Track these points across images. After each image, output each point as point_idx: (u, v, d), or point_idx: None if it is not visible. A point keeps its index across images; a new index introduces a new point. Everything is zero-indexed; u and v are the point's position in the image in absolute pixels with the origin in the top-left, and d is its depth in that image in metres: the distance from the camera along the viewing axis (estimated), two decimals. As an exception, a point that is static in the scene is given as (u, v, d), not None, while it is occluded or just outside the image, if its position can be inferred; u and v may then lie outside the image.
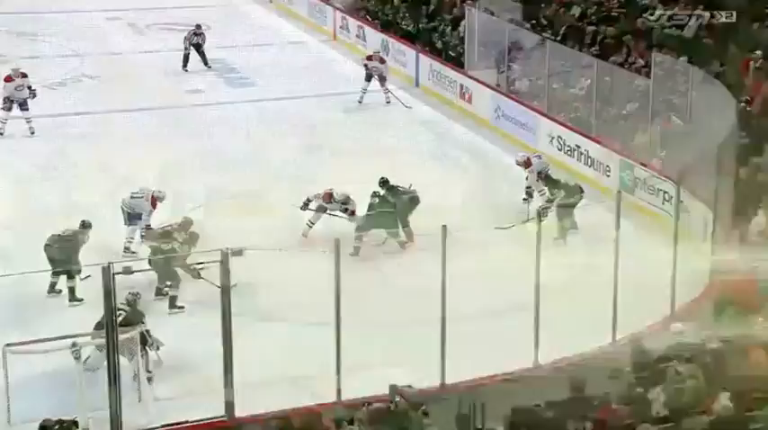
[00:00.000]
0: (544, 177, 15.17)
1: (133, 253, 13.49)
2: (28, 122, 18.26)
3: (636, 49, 18.23)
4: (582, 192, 14.63)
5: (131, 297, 10.92)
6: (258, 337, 11.60)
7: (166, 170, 16.71)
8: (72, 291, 12.44)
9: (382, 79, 20.38)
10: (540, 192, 15.33)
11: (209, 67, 22.59)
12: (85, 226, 12.81)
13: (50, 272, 12.42)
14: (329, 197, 14.15)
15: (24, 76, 18.28)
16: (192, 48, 22.47)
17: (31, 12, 26.48)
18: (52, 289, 12.60)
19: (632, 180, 15.70)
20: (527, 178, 15.50)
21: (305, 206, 14.31)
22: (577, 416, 8.82)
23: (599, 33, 19.33)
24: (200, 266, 12.36)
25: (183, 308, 12.43)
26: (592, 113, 17.36)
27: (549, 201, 14.59)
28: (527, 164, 15.53)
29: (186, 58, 22.41)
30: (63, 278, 12.48)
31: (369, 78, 20.42)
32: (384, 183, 14.39)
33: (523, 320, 11.21)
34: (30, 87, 18.23)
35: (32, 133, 18.22)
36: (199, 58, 22.57)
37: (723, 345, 9.91)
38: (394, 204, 14.20)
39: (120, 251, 13.48)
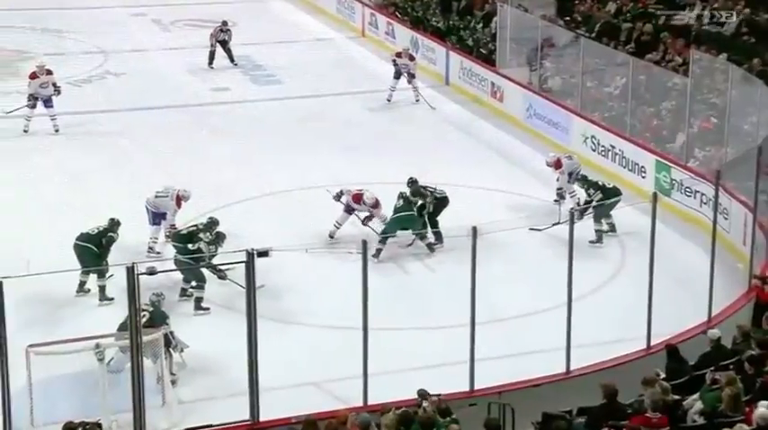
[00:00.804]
0: (577, 178, 15.09)
1: (158, 253, 13.59)
2: (52, 120, 18.43)
3: (673, 47, 18.13)
4: (620, 193, 14.53)
5: (155, 298, 11.02)
6: (283, 340, 11.66)
7: (191, 168, 16.86)
8: (102, 289, 12.55)
9: (411, 76, 20.39)
10: (570, 193, 15.27)
11: (236, 65, 22.70)
12: (114, 223, 12.88)
13: (80, 271, 12.52)
14: (358, 198, 14.15)
15: (50, 73, 18.45)
16: (217, 45, 22.60)
17: (55, 8, 26.71)
18: (81, 288, 12.69)
19: (669, 181, 15.60)
20: (557, 179, 15.43)
21: (338, 197, 14.31)
22: (610, 424, 8.79)
23: (635, 30, 19.24)
24: (227, 267, 12.42)
25: (208, 309, 12.50)
26: (627, 112, 17.26)
27: (587, 202, 14.51)
28: (557, 165, 15.46)
29: (212, 56, 22.53)
30: (92, 278, 12.54)
31: (398, 75, 20.44)
32: (413, 182, 14.39)
33: (555, 324, 11.17)
34: (54, 84, 18.40)
35: (57, 131, 18.38)
36: (225, 55, 22.68)
37: (762, 352, 9.84)
38: (422, 206, 14.19)
39: (144, 251, 13.56)
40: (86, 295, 12.62)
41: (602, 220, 14.41)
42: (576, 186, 15.13)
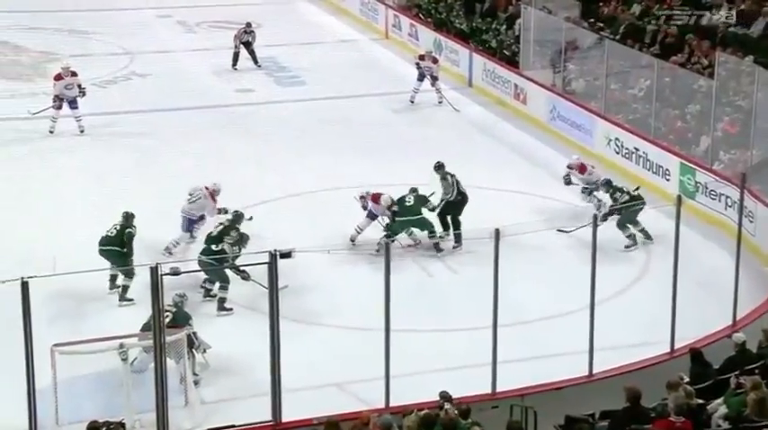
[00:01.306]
0: (602, 184, 14.92)
1: (170, 255, 13.57)
2: (78, 121, 18.54)
3: (699, 49, 18.01)
4: (644, 201, 14.42)
5: (178, 298, 11.06)
6: (306, 341, 11.67)
7: (215, 169, 16.91)
8: (125, 289, 12.58)
9: (434, 79, 20.38)
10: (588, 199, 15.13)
11: (259, 66, 22.76)
12: (129, 217, 12.89)
13: (108, 270, 12.59)
14: (377, 199, 14.11)
15: (74, 74, 18.57)
16: (241, 46, 22.66)
17: (82, 10, 26.88)
18: (113, 283, 12.73)
19: (693, 184, 15.51)
20: (578, 183, 15.27)
21: (365, 205, 14.27)
22: (633, 427, 8.74)
23: (660, 32, 19.14)
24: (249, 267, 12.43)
25: (231, 310, 12.53)
26: (651, 115, 17.17)
27: (614, 207, 14.39)
28: (581, 169, 15.34)
29: (236, 57, 22.60)
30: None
31: (421, 78, 20.43)
32: (439, 167, 14.46)
33: (578, 327, 11.11)
34: (80, 86, 18.52)
35: (82, 131, 18.50)
36: (248, 56, 22.74)
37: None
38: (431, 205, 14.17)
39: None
40: (114, 294, 12.64)
41: (630, 226, 14.28)
42: (601, 192, 15.00)
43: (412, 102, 20.48)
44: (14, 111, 19.41)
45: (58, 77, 18.49)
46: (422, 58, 20.64)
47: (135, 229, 12.84)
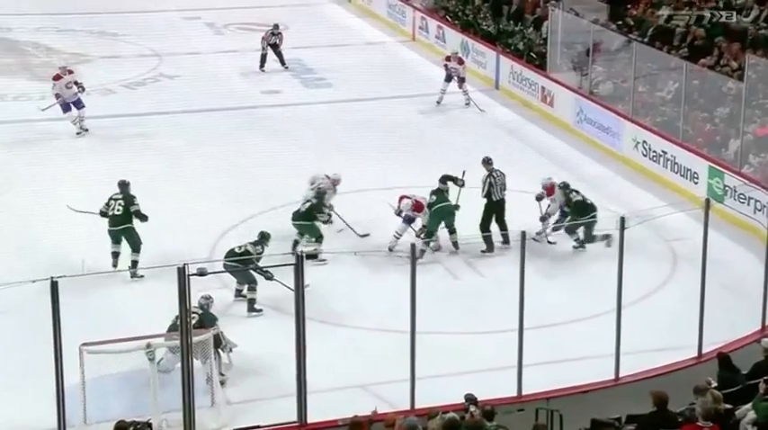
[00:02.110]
0: (561, 186, 14.51)
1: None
2: (80, 122, 18.48)
3: (729, 51, 17.88)
4: (595, 216, 14.12)
5: (204, 301, 11.09)
6: (331, 342, 11.68)
7: (242, 170, 17.01)
8: (134, 264, 13.10)
9: (461, 80, 20.35)
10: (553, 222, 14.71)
11: (287, 68, 22.82)
12: (124, 184, 13.41)
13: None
14: (420, 208, 14.04)
15: (71, 72, 18.62)
16: (269, 48, 22.73)
17: (112, 12, 27.06)
18: (117, 259, 13.24)
19: (722, 188, 15.40)
20: (548, 205, 14.63)
21: (398, 211, 14.20)
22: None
23: (689, 34, 19.02)
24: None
25: (261, 311, 12.54)
26: (679, 117, 17.07)
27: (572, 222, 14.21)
28: (550, 191, 14.59)
29: (263, 59, 22.67)
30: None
31: (449, 79, 20.41)
32: (487, 161, 14.50)
33: (604, 331, 11.06)
34: (77, 83, 18.53)
35: (79, 132, 18.39)
36: (276, 58, 22.81)
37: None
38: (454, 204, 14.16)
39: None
40: (142, 298, 12.67)
41: (578, 232, 14.15)
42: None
43: (438, 103, 20.46)
44: (45, 113, 19.55)
45: (57, 77, 18.52)
46: (448, 59, 20.63)
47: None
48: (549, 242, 14.30)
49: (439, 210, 14.04)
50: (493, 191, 14.29)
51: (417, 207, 14.07)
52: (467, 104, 20.40)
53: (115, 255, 13.26)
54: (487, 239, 14.13)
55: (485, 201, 14.30)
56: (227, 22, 26.68)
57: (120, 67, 22.61)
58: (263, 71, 22.66)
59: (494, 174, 14.41)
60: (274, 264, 12.11)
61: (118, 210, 13.10)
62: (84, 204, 14.71)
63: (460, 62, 20.57)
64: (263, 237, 12.86)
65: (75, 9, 27.09)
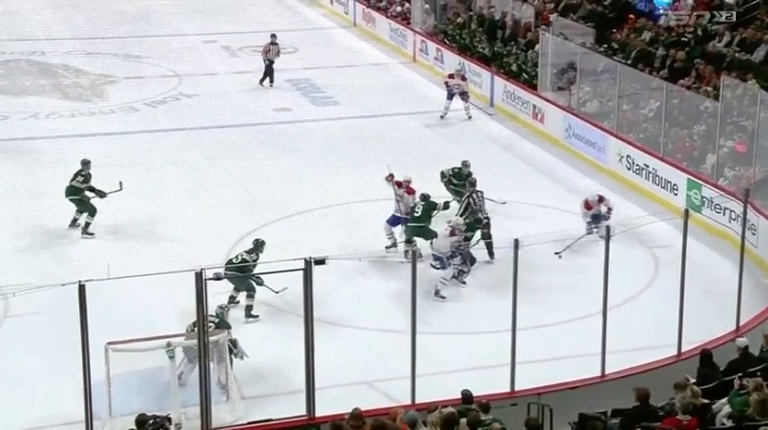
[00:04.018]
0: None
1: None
2: None
3: (705, 73, 17.92)
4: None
5: (219, 310, 10.98)
6: (338, 342, 11.67)
7: (255, 182, 17.03)
8: (87, 225, 14.32)
9: (464, 96, 20.35)
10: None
11: (271, 85, 22.64)
12: (86, 163, 14.39)
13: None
14: (412, 191, 13.96)
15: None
16: (269, 62, 22.62)
17: (136, 36, 27.17)
18: (74, 223, 14.47)
19: (699, 199, 15.39)
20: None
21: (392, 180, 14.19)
22: (643, 425, 8.67)
23: (668, 57, 19.05)
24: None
25: (257, 316, 12.41)
26: (660, 134, 17.07)
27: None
28: (588, 206, 14.50)
29: (269, 72, 22.61)
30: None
31: (450, 96, 20.42)
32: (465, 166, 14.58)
33: (591, 331, 11.06)
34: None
35: None
36: (264, 70, 22.64)
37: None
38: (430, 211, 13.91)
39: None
40: (162, 300, 12.62)
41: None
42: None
43: (442, 118, 20.45)
44: (75, 129, 19.66)
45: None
46: (451, 76, 20.66)
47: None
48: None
49: (413, 227, 13.90)
50: (467, 214, 13.92)
51: (409, 191, 14.09)
52: (469, 118, 20.38)
53: (74, 221, 14.70)
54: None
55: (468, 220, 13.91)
56: (241, 45, 26.73)
57: (143, 86, 22.67)
58: (271, 86, 22.62)
59: (473, 197, 14.11)
60: (283, 269, 12.08)
61: (77, 184, 14.37)
62: (111, 215, 14.85)
63: (464, 78, 20.60)
64: (258, 245, 12.49)
65: (102, 34, 27.22)
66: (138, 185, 16.89)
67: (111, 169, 17.70)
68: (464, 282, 13.30)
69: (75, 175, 14.65)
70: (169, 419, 9.35)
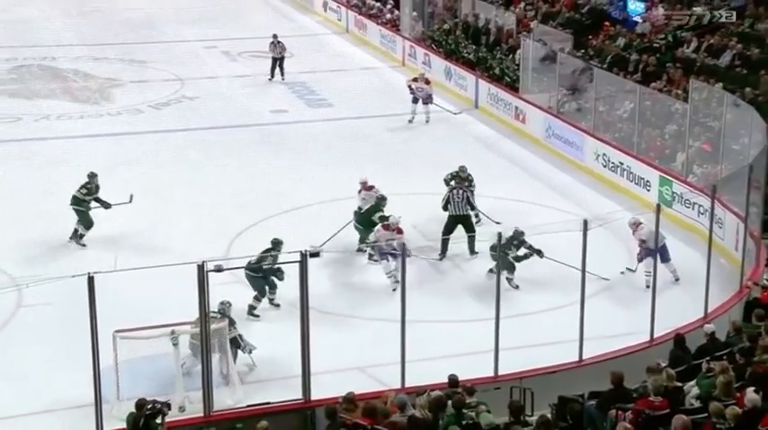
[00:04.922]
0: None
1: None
2: None
3: (675, 77, 17.99)
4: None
5: (222, 306, 10.78)
6: (332, 330, 11.68)
7: (254, 179, 17.01)
8: (81, 236, 14.01)
9: (428, 100, 19.98)
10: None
11: (283, 79, 22.85)
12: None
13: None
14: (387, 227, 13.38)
15: None
16: (274, 60, 22.84)
17: (140, 42, 27.08)
18: (75, 234, 13.95)
19: (670, 194, 15.44)
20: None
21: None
22: (618, 406, 8.72)
23: (641, 62, 19.10)
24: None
25: (258, 316, 12.21)
26: (634, 133, 17.12)
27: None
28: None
29: (275, 65, 22.79)
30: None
31: (416, 101, 20.11)
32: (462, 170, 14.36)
33: (569, 319, 11.09)
34: None
35: None
36: (278, 68, 22.84)
37: (751, 344, 9.71)
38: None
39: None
40: (166, 291, 12.56)
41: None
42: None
43: (410, 122, 20.16)
44: (83, 130, 19.60)
45: None
46: (415, 80, 20.34)
47: (94, 187, 13.85)
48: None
49: (356, 226, 13.85)
50: (450, 206, 13.89)
51: (366, 188, 14.12)
52: (426, 122, 20.03)
53: (75, 231, 14.20)
54: (443, 244, 13.74)
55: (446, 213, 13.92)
56: (240, 50, 26.67)
57: (148, 90, 22.60)
58: (282, 80, 22.75)
59: (453, 191, 14.01)
60: (280, 262, 12.11)
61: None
62: (116, 211, 14.80)
63: (427, 82, 20.29)
64: (276, 244, 12.27)
65: (109, 40, 27.16)
66: (143, 183, 16.89)
67: (119, 167, 17.76)
68: (397, 281, 11.98)
69: (81, 187, 14.14)
70: (168, 405, 9.26)
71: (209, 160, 18.22)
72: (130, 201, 14.24)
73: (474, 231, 14.03)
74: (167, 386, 10.12)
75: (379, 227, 13.33)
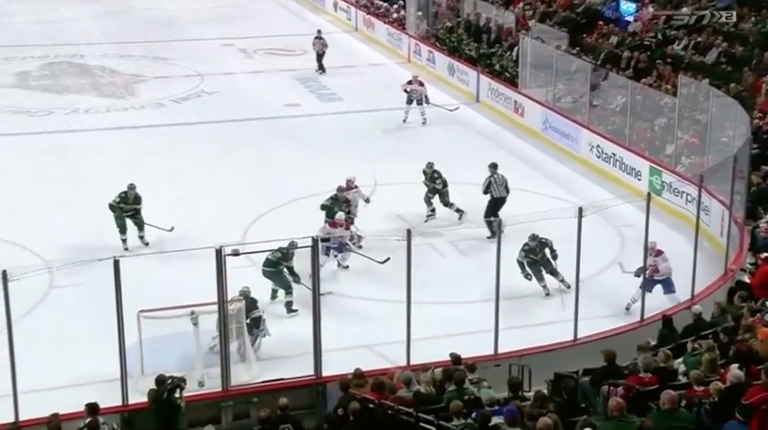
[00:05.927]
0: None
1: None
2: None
3: (665, 73, 17.88)
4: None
5: (243, 290, 10.78)
6: (342, 311, 11.68)
7: (268, 170, 16.97)
8: (124, 241, 13.29)
9: (421, 101, 19.55)
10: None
11: (321, 72, 23.19)
12: (132, 187, 13.16)
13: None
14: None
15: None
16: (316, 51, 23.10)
17: (163, 41, 27.02)
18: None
19: (660, 183, 15.36)
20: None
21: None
22: (610, 382, 8.69)
23: (633, 59, 18.98)
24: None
25: (296, 311, 11.81)
26: (626, 126, 17.03)
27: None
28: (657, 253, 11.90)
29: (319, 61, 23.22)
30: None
31: (410, 101, 19.68)
32: (493, 166, 14.23)
33: (565, 301, 11.05)
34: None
35: None
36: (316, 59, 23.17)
37: (735, 324, 9.67)
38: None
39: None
40: (185, 275, 12.54)
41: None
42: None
43: (404, 122, 19.67)
44: (110, 123, 19.58)
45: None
46: (409, 82, 19.88)
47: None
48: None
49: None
50: (492, 189, 14.02)
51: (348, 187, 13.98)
52: (423, 124, 19.63)
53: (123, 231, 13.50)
54: (489, 226, 13.68)
55: (488, 197, 13.99)
56: (256, 48, 26.59)
57: (170, 85, 22.56)
58: (324, 72, 23.21)
59: (494, 176, 14.10)
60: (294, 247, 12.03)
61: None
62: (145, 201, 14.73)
63: (421, 84, 19.78)
64: (291, 245, 11.80)
65: (133, 38, 27.10)
66: (168, 170, 16.90)
67: (143, 157, 17.76)
68: (346, 266, 12.85)
69: (117, 195, 13.48)
70: (184, 379, 9.26)
71: (227, 151, 18.19)
72: (171, 230, 13.58)
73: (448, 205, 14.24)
74: (187, 362, 10.13)
75: (325, 225, 13.05)
